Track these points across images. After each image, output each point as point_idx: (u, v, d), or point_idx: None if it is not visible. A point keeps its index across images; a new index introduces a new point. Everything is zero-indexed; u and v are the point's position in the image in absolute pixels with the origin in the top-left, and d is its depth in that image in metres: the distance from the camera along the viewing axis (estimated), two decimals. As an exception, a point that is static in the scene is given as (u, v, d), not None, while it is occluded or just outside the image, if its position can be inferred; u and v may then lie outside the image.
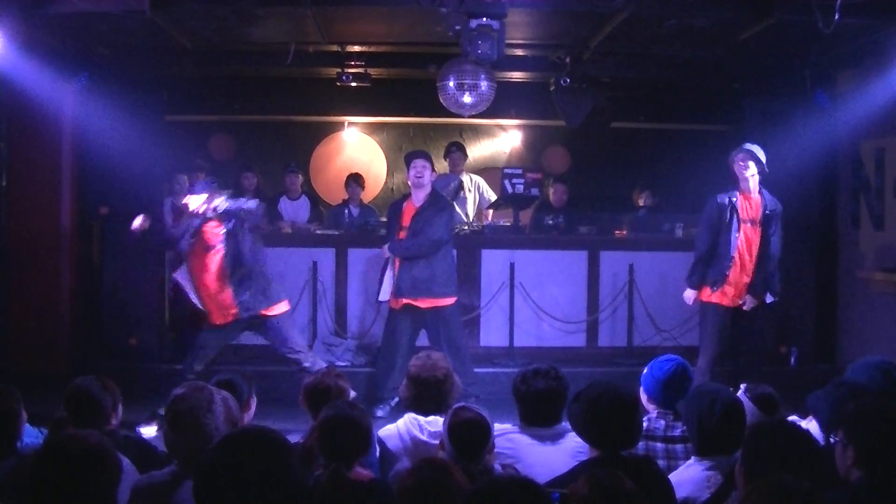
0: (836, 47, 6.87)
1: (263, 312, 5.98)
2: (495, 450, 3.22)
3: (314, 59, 7.63)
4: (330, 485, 2.85)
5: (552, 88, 7.59)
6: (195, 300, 6.05)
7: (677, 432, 3.54)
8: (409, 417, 3.80)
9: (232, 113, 9.60)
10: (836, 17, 5.49)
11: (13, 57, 6.22)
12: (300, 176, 8.97)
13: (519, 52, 7.51)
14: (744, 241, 6.17)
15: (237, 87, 8.97)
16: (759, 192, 6.22)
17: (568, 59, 7.40)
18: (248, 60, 7.71)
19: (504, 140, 10.90)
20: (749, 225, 6.19)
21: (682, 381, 3.68)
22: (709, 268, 6.24)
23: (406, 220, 6.62)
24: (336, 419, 3.11)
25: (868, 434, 2.59)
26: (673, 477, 3.11)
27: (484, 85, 6.76)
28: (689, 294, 6.32)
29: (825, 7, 5.53)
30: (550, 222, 8.29)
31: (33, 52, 6.49)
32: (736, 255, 6.15)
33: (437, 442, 3.35)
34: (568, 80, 7.39)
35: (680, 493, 2.99)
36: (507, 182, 7.97)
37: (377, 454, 3.74)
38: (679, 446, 3.51)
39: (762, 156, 6.12)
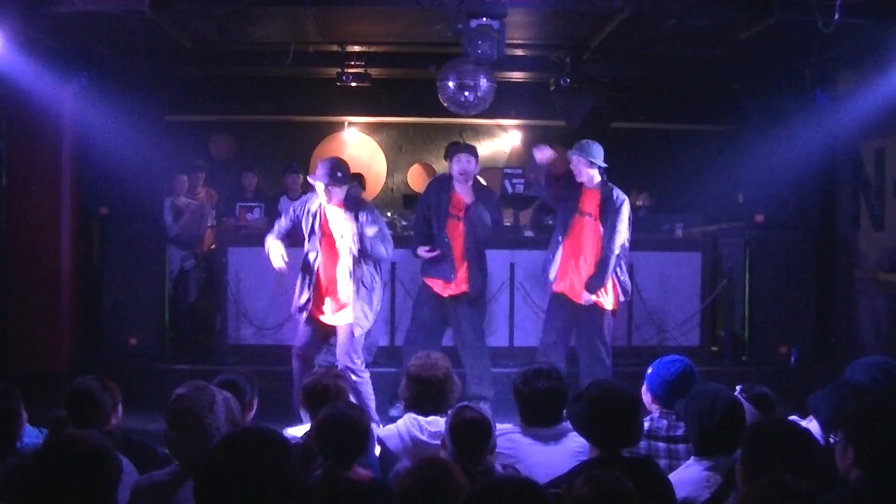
0: (836, 47, 6.86)
1: None
2: (496, 450, 3.22)
3: (314, 59, 7.63)
4: (325, 484, 2.85)
5: (552, 88, 7.60)
6: None
7: (680, 432, 3.53)
8: (409, 417, 3.80)
9: (232, 113, 9.60)
10: (836, 17, 5.50)
11: (13, 57, 6.21)
12: (301, 175, 8.97)
13: (519, 52, 7.51)
14: (577, 234, 6.16)
15: (237, 87, 8.96)
16: (599, 184, 6.22)
17: (568, 59, 7.40)
18: (248, 60, 7.71)
19: (504, 140, 10.91)
20: (587, 218, 6.18)
21: (688, 382, 3.67)
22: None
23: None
24: (333, 419, 3.11)
25: (868, 434, 2.59)
26: (672, 477, 3.10)
27: (484, 85, 6.75)
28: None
29: (825, 7, 5.53)
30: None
31: (33, 52, 6.49)
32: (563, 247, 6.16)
33: (437, 442, 3.34)
34: (568, 80, 7.39)
35: (679, 493, 2.99)
36: (507, 182, 7.96)
37: (377, 454, 3.74)
38: (681, 446, 3.51)
39: (592, 151, 6.18)
